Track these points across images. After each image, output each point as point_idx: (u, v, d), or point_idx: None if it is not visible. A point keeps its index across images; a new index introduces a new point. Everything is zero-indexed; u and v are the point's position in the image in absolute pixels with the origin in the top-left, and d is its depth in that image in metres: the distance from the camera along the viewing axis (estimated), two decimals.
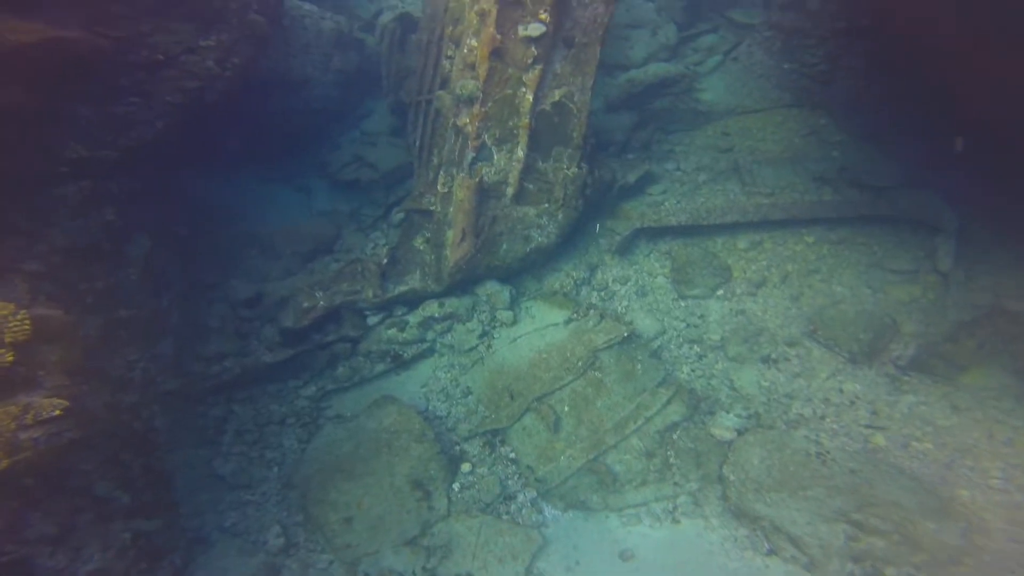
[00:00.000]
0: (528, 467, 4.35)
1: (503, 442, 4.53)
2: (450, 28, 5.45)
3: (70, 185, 3.81)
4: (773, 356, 4.89)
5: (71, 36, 3.42)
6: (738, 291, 5.33)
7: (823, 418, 4.46)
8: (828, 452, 4.12)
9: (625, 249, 5.67)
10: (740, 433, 4.36)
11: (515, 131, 4.91)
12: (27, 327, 2.54)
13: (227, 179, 5.98)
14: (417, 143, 5.71)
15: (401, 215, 5.52)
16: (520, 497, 4.25)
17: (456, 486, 4.27)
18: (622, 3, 6.64)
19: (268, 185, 6.28)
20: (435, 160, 5.25)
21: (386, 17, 7.13)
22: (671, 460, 4.30)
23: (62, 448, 2.71)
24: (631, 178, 5.76)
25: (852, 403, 4.53)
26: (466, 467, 4.40)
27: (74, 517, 2.99)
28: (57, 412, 2.62)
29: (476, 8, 4.90)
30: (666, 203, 5.80)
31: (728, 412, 4.56)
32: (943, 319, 4.74)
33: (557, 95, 4.99)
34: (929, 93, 5.25)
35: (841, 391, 4.62)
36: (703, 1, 7.55)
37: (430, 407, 4.77)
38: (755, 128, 6.36)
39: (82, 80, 3.67)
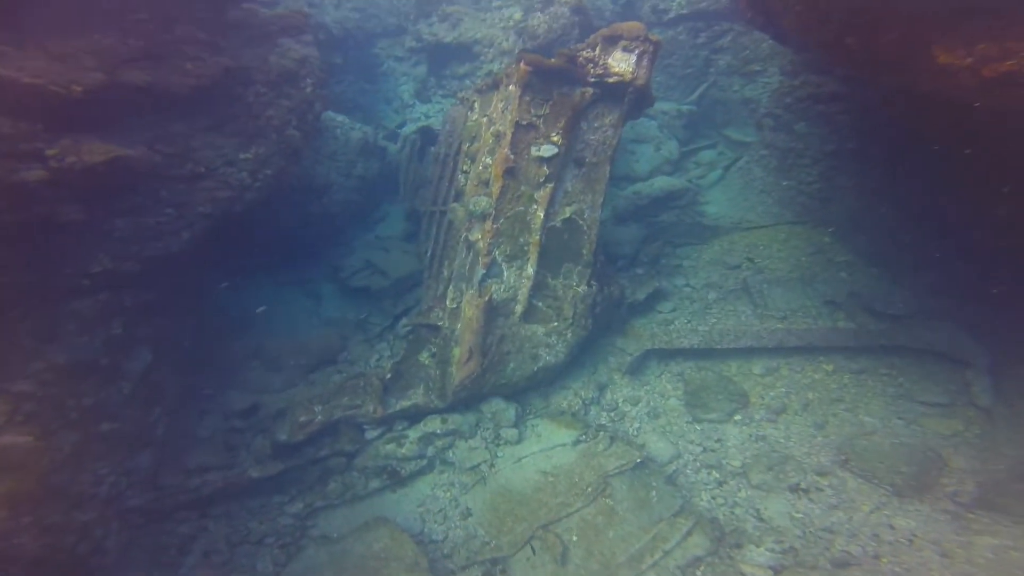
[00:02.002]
0: None
1: (504, 572, 4.09)
2: (467, 144, 5.71)
3: (87, 299, 3.64)
4: (803, 485, 4.49)
5: (133, 154, 3.47)
6: (757, 416, 5.07)
7: (877, 558, 3.95)
8: None
9: (636, 369, 5.50)
10: (776, 571, 3.89)
11: (526, 247, 4.96)
12: None
13: (239, 282, 5.97)
14: (428, 253, 5.77)
15: (408, 328, 5.45)
16: None
17: None
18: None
19: (280, 288, 6.27)
20: (445, 272, 5.27)
21: (409, 128, 7.55)
22: None
23: None
24: (640, 295, 5.75)
25: (910, 541, 4.02)
26: None
27: None
28: None
29: (492, 129, 5.15)
30: (676, 322, 5.71)
31: (759, 546, 4.10)
32: (998, 455, 4.39)
33: (568, 212, 5.09)
34: (927, 218, 5.22)
35: (892, 527, 4.13)
36: (700, 119, 7.98)
37: (426, 529, 4.39)
38: (761, 244, 6.40)
39: (129, 194, 3.67)
